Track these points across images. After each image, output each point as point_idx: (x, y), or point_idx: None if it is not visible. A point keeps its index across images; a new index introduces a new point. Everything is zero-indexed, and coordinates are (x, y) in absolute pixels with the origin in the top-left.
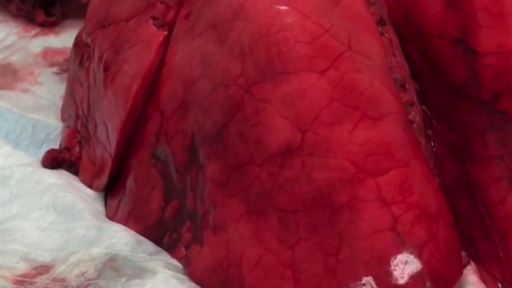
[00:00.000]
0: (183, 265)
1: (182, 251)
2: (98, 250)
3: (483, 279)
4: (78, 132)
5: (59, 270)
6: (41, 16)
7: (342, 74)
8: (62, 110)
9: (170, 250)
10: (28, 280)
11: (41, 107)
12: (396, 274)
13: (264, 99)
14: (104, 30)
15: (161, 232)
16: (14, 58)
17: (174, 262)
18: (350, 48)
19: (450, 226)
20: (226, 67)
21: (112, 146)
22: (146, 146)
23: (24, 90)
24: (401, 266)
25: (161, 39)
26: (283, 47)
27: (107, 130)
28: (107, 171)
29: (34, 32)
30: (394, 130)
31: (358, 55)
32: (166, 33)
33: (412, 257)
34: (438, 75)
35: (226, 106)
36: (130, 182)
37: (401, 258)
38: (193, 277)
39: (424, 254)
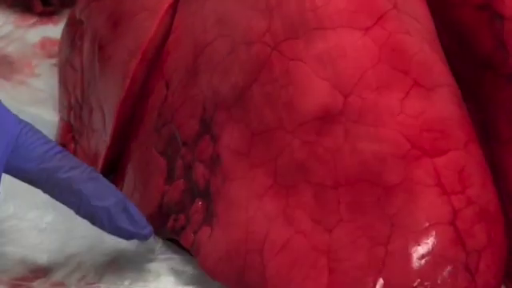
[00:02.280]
0: (193, 253)
1: (191, 236)
2: (99, 252)
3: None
4: (71, 125)
5: (58, 274)
6: (39, 5)
7: (389, 34)
8: (58, 102)
9: (177, 235)
10: (25, 284)
11: (38, 101)
12: (450, 282)
13: (296, 57)
14: (99, 1)
15: (163, 218)
16: (10, 49)
17: (180, 260)
18: (396, 7)
19: (505, 233)
20: (249, 24)
21: (108, 132)
22: (148, 124)
23: (20, 83)
24: (458, 273)
25: (166, 6)
26: (318, 1)
27: (103, 115)
28: (101, 161)
29: (31, 21)
30: (450, 105)
31: (406, 16)
32: None
33: (470, 263)
34: (463, 48)
35: (249, 65)
36: (128, 170)
37: (459, 263)
38: (204, 268)
39: (481, 264)
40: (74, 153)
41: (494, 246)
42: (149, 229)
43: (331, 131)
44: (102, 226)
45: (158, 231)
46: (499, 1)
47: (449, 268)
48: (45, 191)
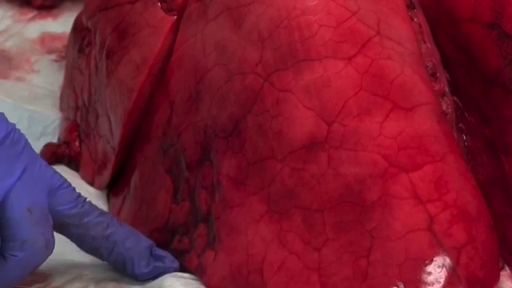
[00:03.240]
0: (197, 274)
1: (195, 259)
2: (100, 267)
3: None
4: (78, 125)
5: (57, 282)
6: None
7: (371, 61)
8: (61, 100)
9: (181, 257)
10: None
11: (38, 97)
12: (432, 278)
13: (285, 89)
14: (107, 12)
15: (169, 236)
16: (8, 44)
17: (183, 275)
18: (379, 33)
19: (490, 228)
20: (243, 54)
21: (115, 140)
22: (153, 141)
23: (19, 79)
24: (437, 269)
25: (170, 24)
26: (306, 32)
27: (110, 123)
28: (110, 167)
29: (30, 15)
30: (428, 121)
31: (388, 41)
32: (175, 17)
33: (449, 260)
34: (470, 63)
35: (243, 96)
36: (135, 180)
37: (437, 261)
38: (209, 286)
39: (462, 258)
40: (78, 151)
41: (476, 241)
42: (176, 261)
43: (316, 158)
44: (132, 269)
45: (162, 247)
46: (508, 21)
47: (428, 267)
48: (76, 237)
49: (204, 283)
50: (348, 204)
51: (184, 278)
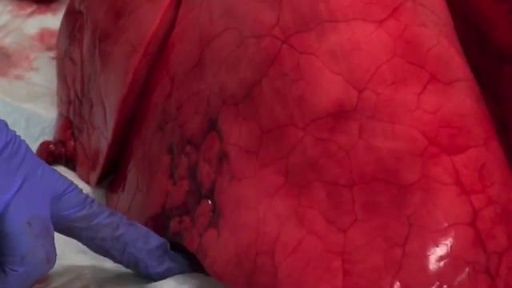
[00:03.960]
0: (198, 256)
1: (196, 239)
2: (99, 268)
3: None
4: (71, 122)
5: (57, 282)
6: None
7: (405, 26)
8: (57, 97)
9: (181, 239)
10: None
11: (36, 96)
12: (470, 284)
13: (308, 51)
14: None
15: (166, 220)
16: (6, 41)
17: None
18: None
19: None
20: (257, 17)
21: (109, 129)
22: (151, 121)
23: (18, 77)
24: (478, 276)
25: None
26: None
27: (105, 111)
28: (102, 159)
29: (29, 10)
30: (468, 100)
31: (422, 8)
32: None
33: (490, 266)
34: (479, 39)
35: (258, 59)
36: (131, 170)
37: (479, 265)
38: (212, 271)
39: (502, 267)
40: (74, 150)
41: None
42: (186, 261)
43: (345, 128)
44: (146, 269)
45: (160, 234)
46: None
47: (468, 270)
48: (85, 240)
49: (206, 268)
50: (382, 182)
51: (185, 278)
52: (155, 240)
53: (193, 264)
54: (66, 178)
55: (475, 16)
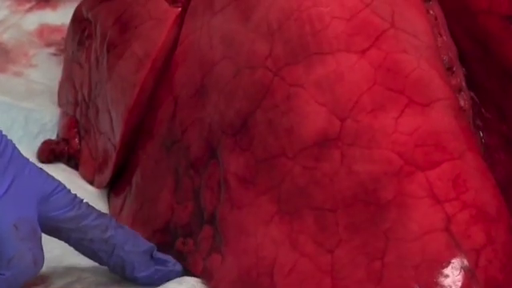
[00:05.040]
0: (203, 279)
1: (200, 263)
2: (101, 272)
3: None
4: (77, 121)
5: (57, 284)
6: None
7: (386, 54)
8: (59, 95)
9: (184, 260)
10: None
11: (35, 93)
12: (449, 281)
13: (296, 83)
14: (108, 3)
15: (171, 238)
16: (5, 37)
17: (185, 279)
18: (393, 25)
19: (510, 230)
20: (252, 48)
21: (116, 137)
22: (156, 137)
23: (17, 74)
24: (455, 272)
25: (174, 16)
26: (318, 25)
27: (111, 119)
28: (111, 165)
29: (28, 6)
30: (446, 118)
31: (403, 33)
32: (179, 9)
33: (467, 262)
34: (487, 57)
35: (252, 91)
36: (136, 178)
37: (455, 263)
38: None
39: (481, 260)
40: (78, 149)
41: (496, 242)
42: (178, 265)
43: (329, 156)
44: (132, 273)
45: (165, 249)
46: None
47: (445, 269)
48: (73, 241)
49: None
50: (362, 203)
51: (188, 282)
52: (143, 244)
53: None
54: (53, 178)
55: (483, 35)
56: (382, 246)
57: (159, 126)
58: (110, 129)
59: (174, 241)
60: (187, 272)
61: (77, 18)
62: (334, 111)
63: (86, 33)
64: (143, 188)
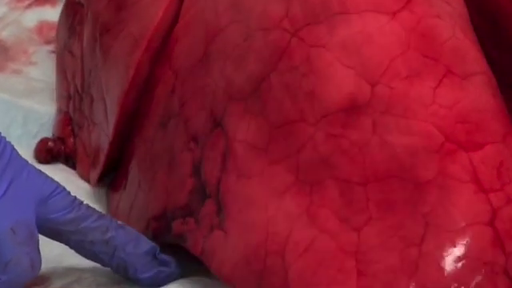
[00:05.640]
0: (204, 260)
1: (200, 242)
2: (101, 272)
3: None
4: (71, 118)
5: (56, 284)
6: None
7: (419, 18)
8: (55, 91)
9: (184, 241)
10: None
11: (35, 91)
12: (488, 285)
13: (318, 44)
14: None
15: (168, 221)
16: (4, 34)
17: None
18: None
19: None
20: (265, 9)
21: (110, 126)
22: (153, 118)
23: (16, 72)
24: (497, 277)
25: None
26: None
27: (105, 107)
28: (103, 157)
29: (27, 2)
30: (484, 95)
31: None
32: None
33: (508, 267)
34: (497, 34)
35: (266, 53)
36: (132, 169)
37: (498, 265)
38: (220, 274)
39: None
40: (73, 147)
41: None
42: (178, 266)
43: (358, 123)
44: (135, 274)
45: (162, 236)
46: None
47: (486, 272)
48: (73, 243)
49: (213, 271)
50: (397, 180)
51: (188, 282)
52: (145, 244)
53: (188, 267)
54: (52, 180)
55: (492, 9)
56: (421, 232)
57: (156, 105)
58: (104, 118)
59: (171, 225)
60: (188, 255)
61: (68, 4)
62: (363, 75)
63: (77, 18)
64: (138, 175)
